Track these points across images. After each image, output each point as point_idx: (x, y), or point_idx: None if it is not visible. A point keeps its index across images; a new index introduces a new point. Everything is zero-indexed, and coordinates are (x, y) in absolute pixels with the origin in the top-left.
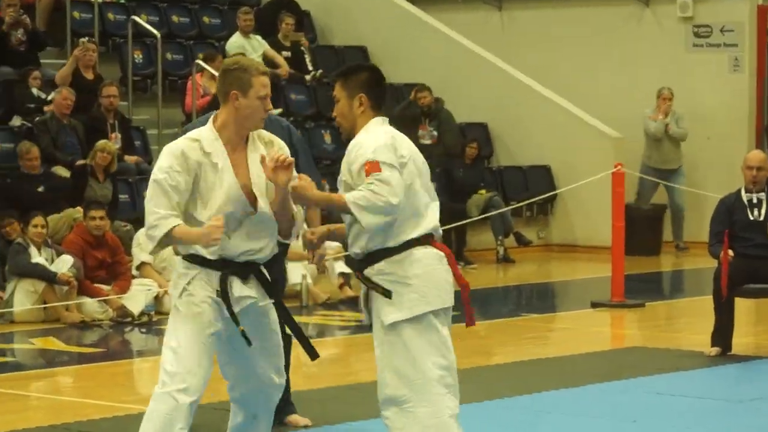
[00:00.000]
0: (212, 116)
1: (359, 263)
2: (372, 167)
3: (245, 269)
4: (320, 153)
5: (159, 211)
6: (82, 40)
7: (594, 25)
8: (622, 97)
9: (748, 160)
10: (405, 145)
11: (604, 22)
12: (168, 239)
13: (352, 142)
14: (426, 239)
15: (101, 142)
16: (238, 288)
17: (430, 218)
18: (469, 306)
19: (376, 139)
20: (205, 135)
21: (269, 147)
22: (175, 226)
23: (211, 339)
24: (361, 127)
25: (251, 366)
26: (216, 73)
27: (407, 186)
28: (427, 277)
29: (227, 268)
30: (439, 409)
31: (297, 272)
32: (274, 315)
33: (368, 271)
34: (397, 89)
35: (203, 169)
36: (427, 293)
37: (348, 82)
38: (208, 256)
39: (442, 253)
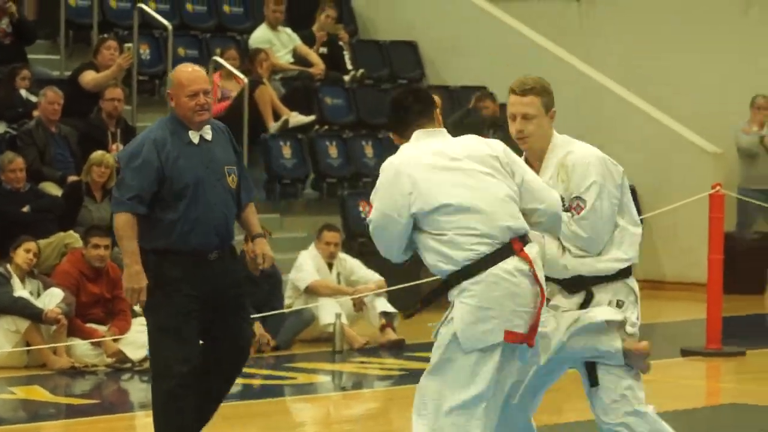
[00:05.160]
0: None
1: None
2: None
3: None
4: (360, 168)
5: None
6: (128, 45)
7: (690, 18)
8: (723, 105)
9: None
10: None
11: (703, 15)
12: None
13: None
14: None
15: (97, 154)
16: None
17: None
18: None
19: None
20: None
21: (562, 172)
22: None
23: None
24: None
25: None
26: (238, 73)
27: None
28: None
29: None
30: None
31: (330, 311)
32: None
33: None
34: (453, 93)
35: None
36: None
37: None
38: None
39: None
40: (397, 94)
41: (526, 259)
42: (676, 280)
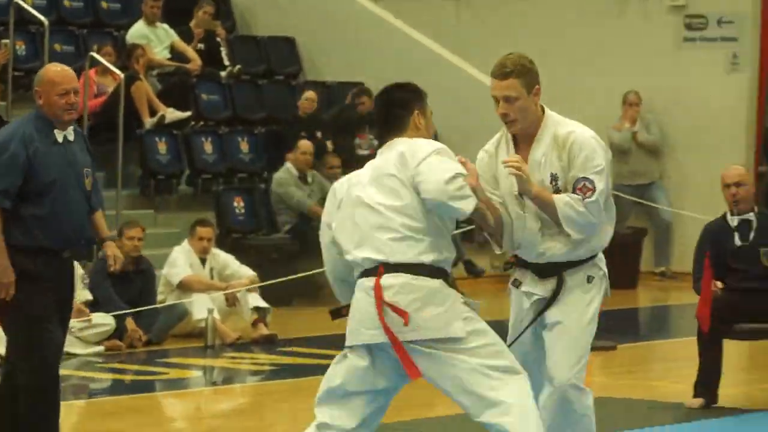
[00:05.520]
0: None
1: None
2: None
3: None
4: (235, 164)
5: None
6: (4, 41)
7: (567, 16)
8: (599, 101)
9: (725, 177)
10: None
11: (579, 13)
12: None
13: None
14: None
15: None
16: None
17: None
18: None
19: None
20: None
21: (561, 150)
22: None
23: None
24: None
25: None
26: (114, 69)
27: None
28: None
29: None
30: None
31: (202, 306)
32: None
33: None
34: (330, 89)
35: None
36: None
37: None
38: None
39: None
40: (375, 101)
41: (375, 284)
42: None
